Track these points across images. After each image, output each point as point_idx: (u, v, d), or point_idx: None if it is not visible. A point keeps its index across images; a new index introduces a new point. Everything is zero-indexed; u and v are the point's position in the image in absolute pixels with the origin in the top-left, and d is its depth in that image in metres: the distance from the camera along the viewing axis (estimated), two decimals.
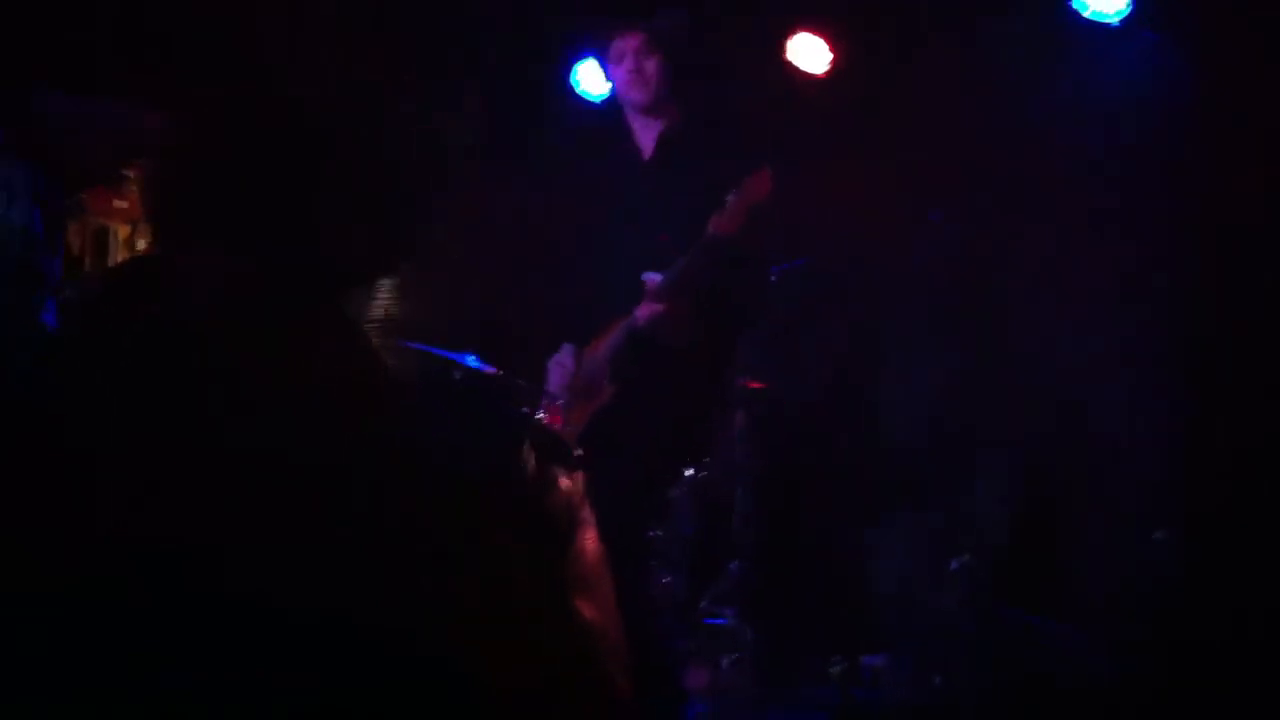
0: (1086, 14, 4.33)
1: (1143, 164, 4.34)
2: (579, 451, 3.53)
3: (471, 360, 4.58)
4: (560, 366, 3.84)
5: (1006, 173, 4.60)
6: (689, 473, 4.56)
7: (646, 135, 3.94)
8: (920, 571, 4.43)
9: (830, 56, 4.75)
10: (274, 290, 1.20)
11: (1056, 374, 4.45)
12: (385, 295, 5.98)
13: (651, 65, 3.89)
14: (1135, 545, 4.18)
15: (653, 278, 3.68)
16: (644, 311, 3.64)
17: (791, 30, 4.79)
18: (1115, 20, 4.31)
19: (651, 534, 4.40)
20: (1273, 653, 3.71)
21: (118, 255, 1.88)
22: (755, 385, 4.58)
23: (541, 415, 3.80)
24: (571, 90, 4.99)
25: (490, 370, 4.56)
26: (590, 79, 4.89)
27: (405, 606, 1.10)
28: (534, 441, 1.20)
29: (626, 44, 3.90)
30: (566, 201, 4.46)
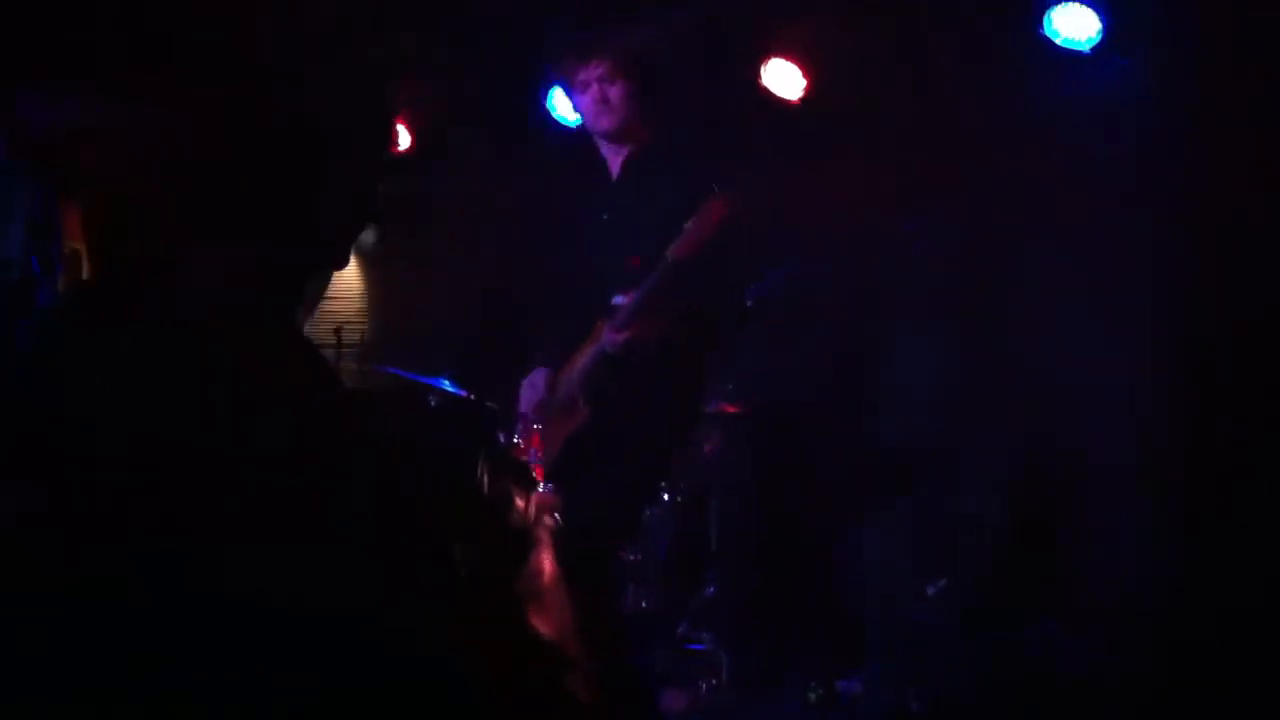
0: (1058, 41, 4.36)
1: (1142, 165, 4.35)
2: (540, 474, 3.54)
3: (446, 384, 4.61)
4: (532, 387, 3.84)
5: (1006, 173, 4.61)
6: (665, 495, 4.57)
7: (614, 158, 3.92)
8: (905, 588, 4.44)
9: (804, 83, 4.77)
10: (274, 290, 1.21)
11: (1055, 375, 4.45)
12: (360, 320, 6.00)
13: (616, 93, 3.81)
14: (1133, 546, 4.18)
15: (623, 300, 3.69)
16: (611, 336, 3.65)
17: (767, 54, 4.81)
18: (1086, 48, 4.33)
19: (628, 556, 4.41)
20: (1273, 653, 3.71)
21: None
22: (731, 409, 4.59)
23: (516, 438, 3.82)
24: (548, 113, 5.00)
25: (463, 394, 4.58)
26: (564, 104, 4.89)
27: (405, 606, 1.10)
28: (489, 460, 1.20)
29: (590, 72, 3.82)
30: (548, 217, 4.46)
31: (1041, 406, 4.47)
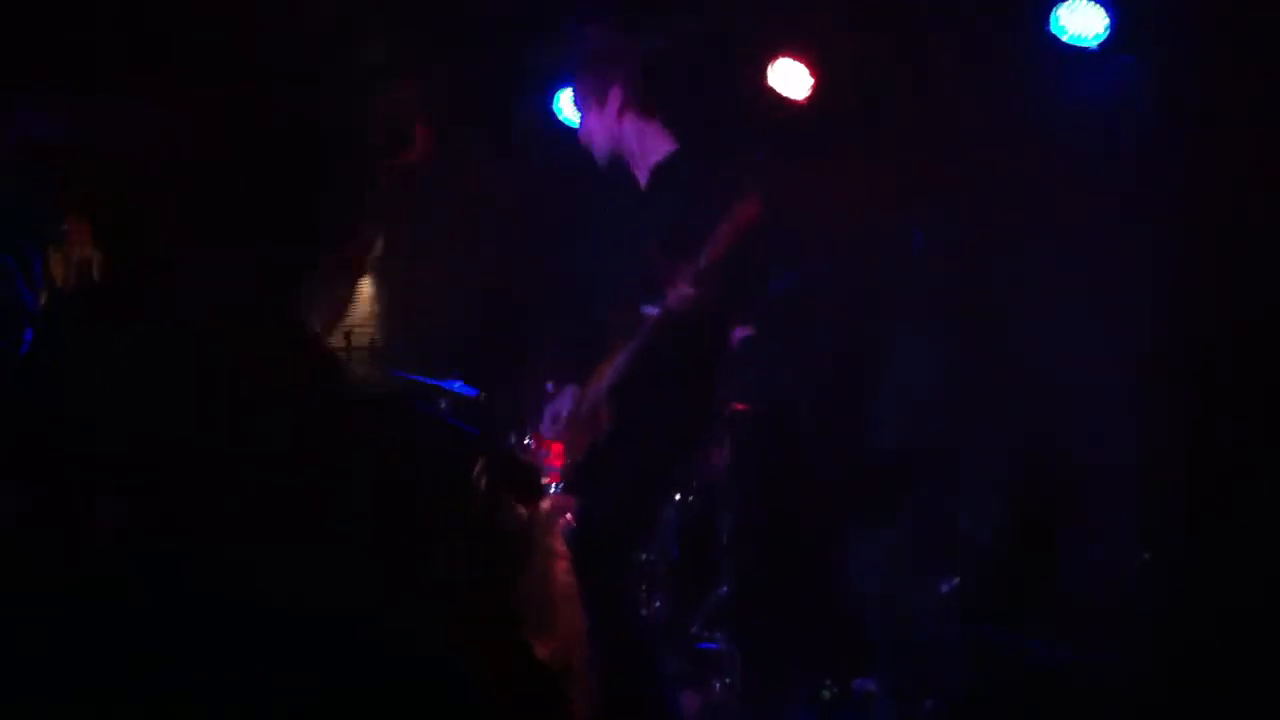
0: (1065, 39, 4.36)
1: (1142, 165, 4.34)
2: (556, 479, 3.52)
3: (457, 385, 4.60)
4: (554, 412, 3.85)
5: (1006, 173, 4.60)
6: (677, 495, 4.56)
7: (642, 171, 3.91)
8: (913, 591, 4.44)
9: (811, 82, 4.77)
10: (274, 290, 1.21)
11: (1055, 375, 4.45)
12: (371, 324, 5.99)
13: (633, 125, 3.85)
14: (1133, 549, 4.18)
15: (651, 310, 3.69)
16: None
17: (775, 53, 4.80)
18: (1094, 45, 4.33)
19: (641, 556, 4.39)
20: (1273, 653, 3.71)
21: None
22: (741, 408, 4.59)
23: (527, 440, 3.82)
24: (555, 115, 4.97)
25: (473, 393, 4.58)
26: (570, 107, 4.86)
27: (405, 606, 1.10)
28: (488, 465, 1.19)
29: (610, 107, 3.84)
30: (548, 218, 4.45)
31: (1041, 406, 4.47)
